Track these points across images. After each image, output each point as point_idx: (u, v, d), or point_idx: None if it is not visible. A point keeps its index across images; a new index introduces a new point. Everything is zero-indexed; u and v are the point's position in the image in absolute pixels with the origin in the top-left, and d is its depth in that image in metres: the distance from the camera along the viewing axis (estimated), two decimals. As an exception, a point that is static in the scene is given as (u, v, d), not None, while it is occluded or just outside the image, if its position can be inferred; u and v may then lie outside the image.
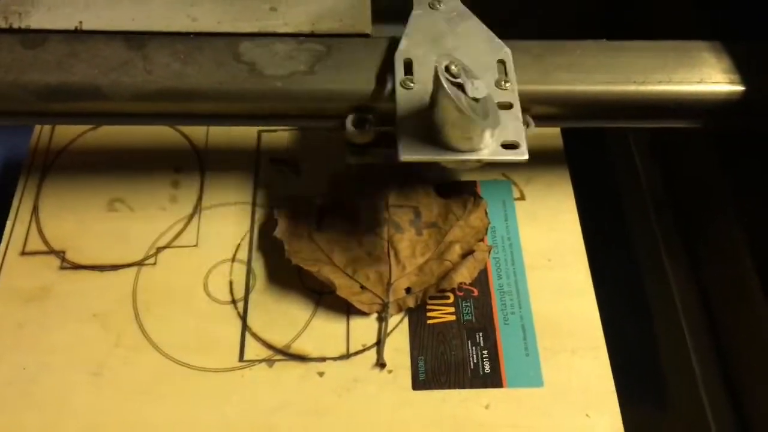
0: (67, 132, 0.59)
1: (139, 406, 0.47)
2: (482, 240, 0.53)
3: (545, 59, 0.49)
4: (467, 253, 0.52)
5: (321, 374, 0.49)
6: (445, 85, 0.40)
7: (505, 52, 0.47)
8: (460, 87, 0.41)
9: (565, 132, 0.59)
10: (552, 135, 0.59)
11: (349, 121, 0.47)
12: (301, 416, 0.47)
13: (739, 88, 0.48)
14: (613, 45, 0.50)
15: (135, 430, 0.47)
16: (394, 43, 0.48)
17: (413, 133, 0.43)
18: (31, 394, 0.48)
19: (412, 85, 0.45)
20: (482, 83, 0.41)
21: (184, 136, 0.59)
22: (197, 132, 0.60)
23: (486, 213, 0.55)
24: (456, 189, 0.56)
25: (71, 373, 0.48)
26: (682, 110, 0.49)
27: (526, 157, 0.43)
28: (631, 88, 0.48)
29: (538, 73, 0.48)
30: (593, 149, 0.70)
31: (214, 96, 0.47)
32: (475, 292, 0.52)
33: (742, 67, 0.49)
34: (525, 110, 0.46)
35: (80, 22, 0.49)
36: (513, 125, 0.44)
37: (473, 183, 0.57)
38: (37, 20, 0.49)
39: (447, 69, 0.41)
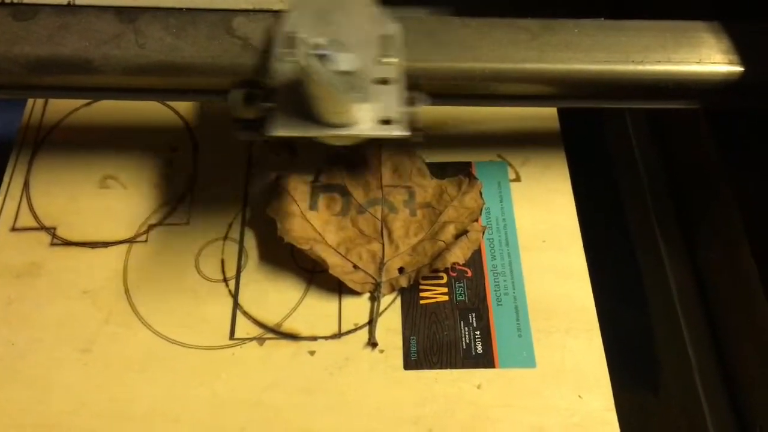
0: (59, 108, 0.59)
1: (129, 383, 0.47)
2: (476, 221, 0.53)
3: (542, 38, 0.48)
4: (461, 234, 0.52)
5: (312, 353, 0.48)
6: (306, 58, 0.39)
7: (392, 27, 0.45)
8: (327, 60, 0.39)
9: (561, 112, 0.59)
10: (548, 116, 0.59)
11: (236, 95, 0.45)
12: (292, 394, 0.47)
13: (738, 68, 0.48)
14: (612, 24, 0.49)
15: (124, 407, 0.46)
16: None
17: (291, 109, 0.42)
18: (20, 370, 0.47)
19: (290, 60, 0.42)
20: (352, 57, 0.39)
21: (178, 114, 0.59)
22: (191, 110, 0.59)
23: (480, 194, 0.54)
24: (451, 169, 0.56)
25: (60, 350, 0.48)
26: (681, 90, 0.48)
27: (403, 133, 0.42)
28: (630, 67, 0.48)
29: (535, 51, 0.48)
30: (590, 130, 0.70)
31: (207, 70, 0.46)
32: (469, 273, 0.51)
33: (741, 48, 0.48)
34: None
35: (73, -3, 0.49)
36: (390, 101, 0.43)
37: (468, 164, 0.56)
38: (29, -6, 0.49)
39: (315, 43, 0.39)
